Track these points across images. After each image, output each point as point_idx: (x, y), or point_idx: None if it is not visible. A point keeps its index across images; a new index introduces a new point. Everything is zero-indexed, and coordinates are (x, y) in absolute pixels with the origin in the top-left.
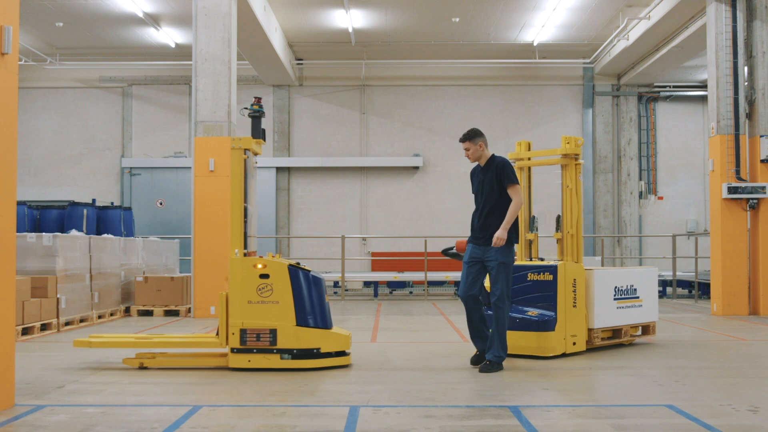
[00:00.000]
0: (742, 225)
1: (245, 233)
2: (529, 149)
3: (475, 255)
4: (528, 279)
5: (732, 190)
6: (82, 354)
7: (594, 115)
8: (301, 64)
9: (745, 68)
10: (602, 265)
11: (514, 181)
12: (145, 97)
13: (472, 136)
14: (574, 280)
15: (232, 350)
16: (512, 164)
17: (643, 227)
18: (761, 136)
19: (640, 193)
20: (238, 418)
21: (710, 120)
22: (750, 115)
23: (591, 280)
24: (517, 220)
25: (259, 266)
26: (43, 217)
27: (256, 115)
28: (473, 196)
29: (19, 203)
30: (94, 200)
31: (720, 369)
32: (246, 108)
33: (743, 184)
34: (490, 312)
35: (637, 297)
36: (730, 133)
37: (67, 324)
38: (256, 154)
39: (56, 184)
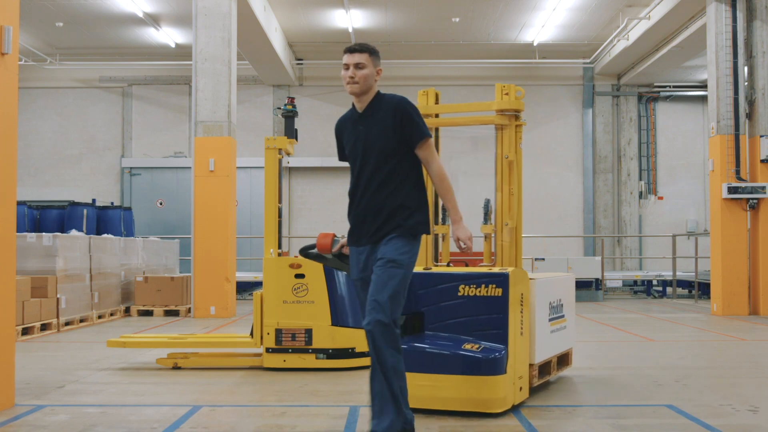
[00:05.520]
0: (742, 225)
1: (279, 233)
2: (437, 101)
3: (364, 265)
4: (459, 294)
5: (732, 190)
6: (82, 354)
7: (594, 115)
8: (301, 64)
9: (745, 68)
10: (602, 266)
11: (428, 132)
12: (145, 97)
13: (373, 50)
14: (521, 294)
15: (267, 350)
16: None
17: (643, 227)
18: (761, 136)
19: (640, 193)
20: (238, 418)
21: (710, 120)
22: (750, 115)
23: (534, 294)
24: (426, 200)
25: (295, 266)
26: (43, 217)
27: (290, 115)
28: (348, 165)
29: (19, 203)
30: (94, 200)
31: (720, 369)
32: (279, 108)
33: (743, 184)
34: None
35: (563, 315)
36: (730, 133)
37: (67, 324)
38: (288, 153)
39: (56, 184)
